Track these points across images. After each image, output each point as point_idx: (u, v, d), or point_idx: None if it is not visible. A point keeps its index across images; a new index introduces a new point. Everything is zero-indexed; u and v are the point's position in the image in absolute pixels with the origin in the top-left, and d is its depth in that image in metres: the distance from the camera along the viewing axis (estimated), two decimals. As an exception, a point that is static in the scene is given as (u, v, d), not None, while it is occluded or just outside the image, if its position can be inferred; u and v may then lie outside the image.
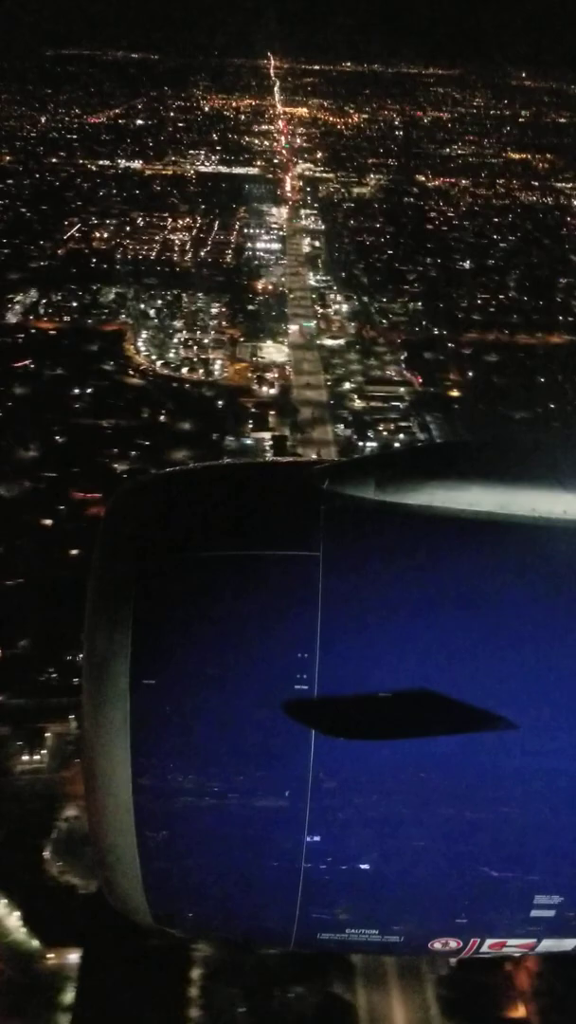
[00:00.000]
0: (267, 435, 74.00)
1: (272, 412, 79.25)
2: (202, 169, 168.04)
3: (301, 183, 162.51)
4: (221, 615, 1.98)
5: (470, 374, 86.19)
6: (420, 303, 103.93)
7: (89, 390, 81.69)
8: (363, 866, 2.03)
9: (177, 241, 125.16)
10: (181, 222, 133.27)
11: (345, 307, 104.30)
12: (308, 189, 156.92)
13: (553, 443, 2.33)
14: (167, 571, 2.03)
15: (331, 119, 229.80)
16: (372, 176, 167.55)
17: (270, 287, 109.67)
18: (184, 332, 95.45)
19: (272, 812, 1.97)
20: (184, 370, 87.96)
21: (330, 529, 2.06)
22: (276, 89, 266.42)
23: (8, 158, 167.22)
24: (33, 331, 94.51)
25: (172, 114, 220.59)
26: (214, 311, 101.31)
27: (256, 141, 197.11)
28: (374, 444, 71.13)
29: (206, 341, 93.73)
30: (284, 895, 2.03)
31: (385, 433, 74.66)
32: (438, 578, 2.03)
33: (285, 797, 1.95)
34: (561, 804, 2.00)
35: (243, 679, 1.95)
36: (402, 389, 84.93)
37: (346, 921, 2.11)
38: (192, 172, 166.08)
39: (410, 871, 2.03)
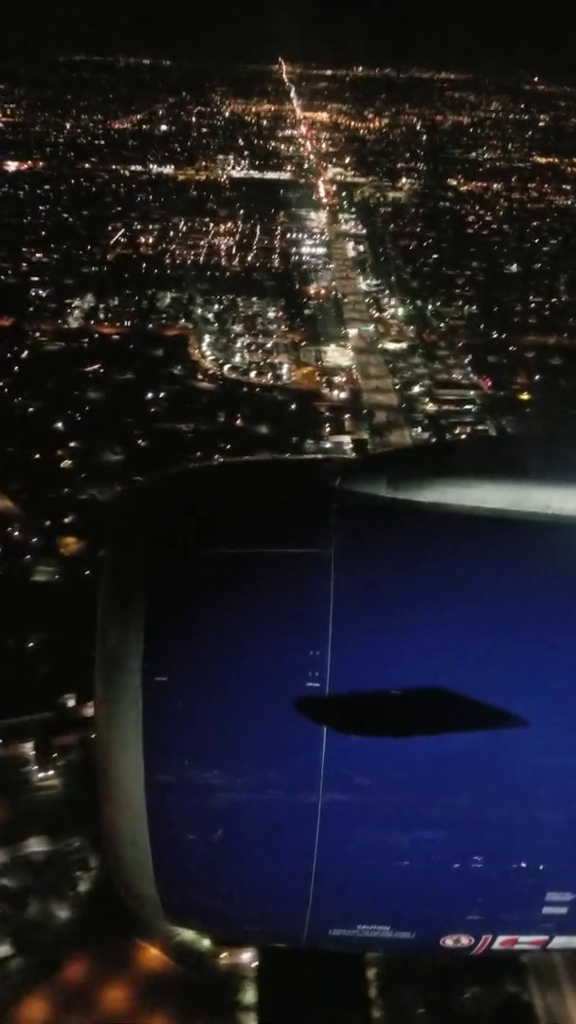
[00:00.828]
0: (346, 439, 74.24)
1: (347, 416, 79.52)
2: (234, 174, 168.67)
3: (334, 187, 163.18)
4: (233, 613, 1.98)
5: (537, 377, 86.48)
6: (474, 307, 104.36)
7: (162, 394, 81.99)
8: (374, 863, 2.02)
9: (223, 246, 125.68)
10: (223, 227, 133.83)
11: (400, 311, 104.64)
12: (344, 194, 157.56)
13: (566, 439, 2.33)
14: (179, 569, 2.03)
15: (352, 123, 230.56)
16: (404, 180, 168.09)
17: (323, 291, 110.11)
18: (246, 337, 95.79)
19: (284, 809, 1.96)
20: (252, 374, 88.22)
21: (342, 527, 2.05)
22: (293, 94, 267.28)
23: (41, 164, 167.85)
24: (96, 335, 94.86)
25: (194, 119, 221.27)
26: (271, 315, 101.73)
27: (282, 146, 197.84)
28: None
29: (269, 345, 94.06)
30: (296, 892, 2.03)
31: (464, 436, 74.86)
32: (450, 576, 2.02)
33: (297, 794, 1.95)
34: (574, 802, 2.00)
35: (255, 676, 1.95)
36: (472, 392, 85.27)
37: (358, 918, 2.11)
38: (225, 177, 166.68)
39: (421, 868, 2.03)
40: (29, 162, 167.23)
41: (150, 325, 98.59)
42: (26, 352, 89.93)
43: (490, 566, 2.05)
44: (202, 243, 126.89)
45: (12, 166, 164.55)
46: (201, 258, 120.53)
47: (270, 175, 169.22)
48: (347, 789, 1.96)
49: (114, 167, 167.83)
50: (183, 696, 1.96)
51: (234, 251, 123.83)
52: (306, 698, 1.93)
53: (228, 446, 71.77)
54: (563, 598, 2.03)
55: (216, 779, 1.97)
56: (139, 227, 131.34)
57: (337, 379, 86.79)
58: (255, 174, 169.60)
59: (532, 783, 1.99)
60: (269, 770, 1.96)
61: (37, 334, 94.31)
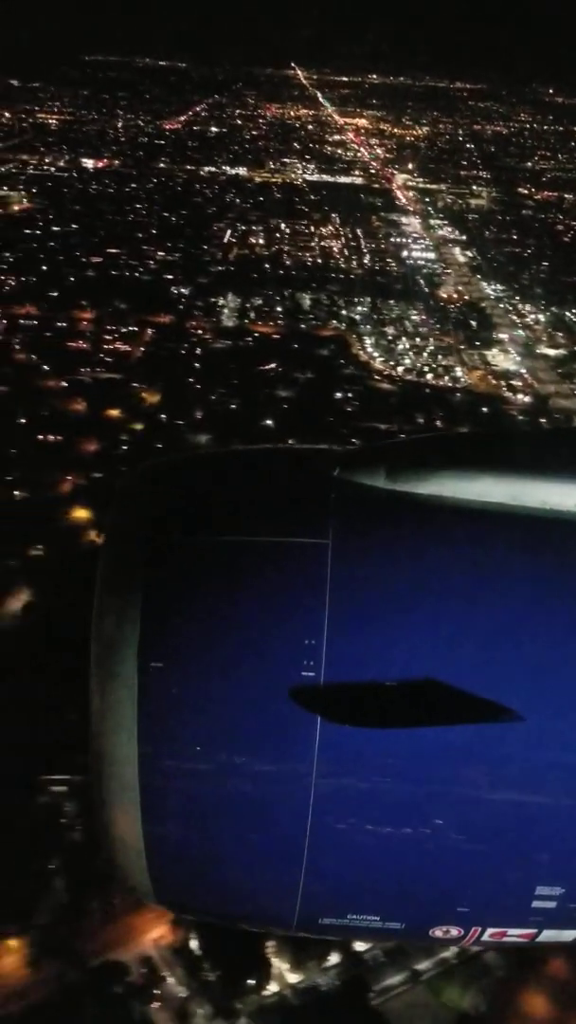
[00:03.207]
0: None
1: (542, 421, 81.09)
2: (308, 178, 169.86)
3: (411, 193, 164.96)
4: (230, 600, 2.01)
5: None
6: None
7: (349, 394, 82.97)
8: (365, 852, 2.06)
9: (334, 248, 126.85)
10: (324, 229, 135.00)
11: (540, 316, 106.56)
12: (427, 199, 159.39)
13: (565, 436, 2.47)
14: (177, 555, 2.07)
15: (395, 130, 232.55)
16: (476, 187, 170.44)
17: (454, 295, 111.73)
18: (404, 339, 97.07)
19: (276, 796, 2.00)
20: (428, 376, 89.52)
21: (340, 517, 2.10)
22: (322, 99, 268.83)
23: (116, 162, 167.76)
24: (256, 335, 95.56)
25: (239, 122, 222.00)
26: (415, 318, 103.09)
27: (339, 151, 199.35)
28: None
29: (430, 348, 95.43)
30: (287, 879, 2.07)
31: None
32: (447, 568, 2.05)
33: (289, 782, 1.98)
34: (565, 796, 2.04)
35: (250, 664, 1.98)
36: None
37: (348, 906, 2.15)
38: (300, 180, 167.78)
39: (412, 858, 2.06)
40: (104, 160, 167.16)
41: (303, 325, 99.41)
42: (199, 350, 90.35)
43: (487, 560, 2.07)
44: (312, 244, 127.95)
45: (89, 163, 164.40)
46: (319, 259, 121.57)
47: (343, 179, 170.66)
48: (339, 778, 1.98)
49: (188, 167, 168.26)
50: (178, 682, 1.98)
51: (347, 253, 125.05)
52: (301, 686, 1.95)
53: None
54: (558, 593, 2.06)
55: (210, 765, 1.99)
56: (243, 228, 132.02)
57: (514, 383, 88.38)
58: (327, 178, 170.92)
59: (524, 777, 2.01)
60: (263, 757, 1.99)
61: (200, 332, 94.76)
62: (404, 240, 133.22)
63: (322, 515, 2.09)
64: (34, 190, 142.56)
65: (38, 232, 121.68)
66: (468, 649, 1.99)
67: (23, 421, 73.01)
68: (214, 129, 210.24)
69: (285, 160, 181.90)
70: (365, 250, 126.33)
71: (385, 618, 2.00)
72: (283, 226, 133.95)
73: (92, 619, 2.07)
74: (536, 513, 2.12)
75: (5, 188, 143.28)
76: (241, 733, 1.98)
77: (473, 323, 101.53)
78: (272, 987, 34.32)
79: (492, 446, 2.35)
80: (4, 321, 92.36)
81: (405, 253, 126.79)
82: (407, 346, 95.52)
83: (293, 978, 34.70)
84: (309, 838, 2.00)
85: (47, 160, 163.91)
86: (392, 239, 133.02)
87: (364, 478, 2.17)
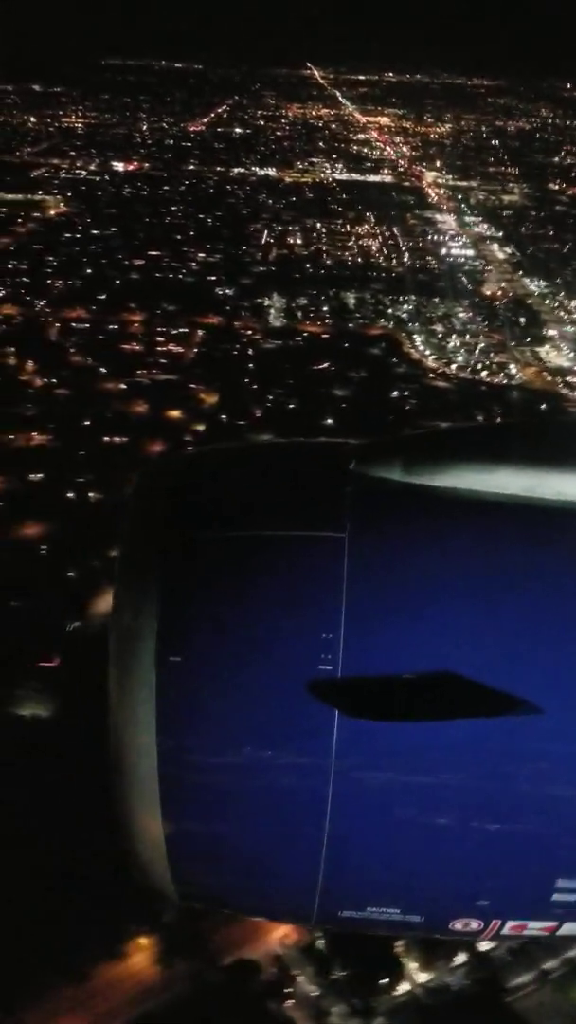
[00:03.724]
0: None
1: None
2: (337, 176, 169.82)
3: (442, 191, 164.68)
4: (247, 594, 2.01)
5: None
6: None
7: (406, 392, 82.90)
8: (384, 845, 2.05)
9: (373, 247, 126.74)
10: (360, 228, 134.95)
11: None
12: (459, 197, 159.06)
13: None
14: (194, 550, 2.07)
15: (418, 128, 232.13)
16: (507, 184, 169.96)
17: (498, 292, 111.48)
18: (454, 336, 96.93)
19: (295, 790, 1.99)
20: (483, 373, 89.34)
21: (356, 510, 2.09)
22: (341, 99, 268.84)
23: (146, 165, 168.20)
24: (305, 334, 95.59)
25: (262, 123, 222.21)
26: (461, 315, 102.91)
27: (364, 150, 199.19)
28: None
29: (481, 345, 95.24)
30: (306, 872, 2.06)
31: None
32: (463, 560, 2.05)
33: (308, 775, 1.97)
34: None
35: (268, 658, 1.98)
36: None
37: (367, 899, 2.15)
38: (330, 180, 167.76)
39: (432, 851, 2.06)
40: (134, 163, 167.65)
41: (350, 324, 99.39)
42: (251, 351, 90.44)
43: (503, 552, 2.07)
44: (349, 243, 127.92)
45: (119, 166, 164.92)
46: (359, 258, 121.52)
47: (372, 178, 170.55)
48: (358, 771, 1.98)
49: (218, 169, 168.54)
50: (196, 676, 1.98)
51: (386, 252, 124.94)
52: (318, 680, 1.95)
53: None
54: (574, 585, 2.04)
55: (228, 759, 1.99)
56: (279, 228, 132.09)
57: (570, 379, 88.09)
58: (356, 176, 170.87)
59: (543, 770, 2.00)
60: (281, 751, 1.98)
61: (249, 332, 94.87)
62: (441, 238, 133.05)
63: (338, 509, 2.07)
64: (69, 194, 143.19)
65: (78, 236, 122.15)
66: (485, 642, 1.97)
67: (87, 423, 73.27)
68: (238, 130, 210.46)
69: (312, 160, 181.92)
70: (403, 248, 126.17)
71: (402, 611, 1.98)
72: (319, 225, 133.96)
73: (110, 614, 2.08)
74: (553, 505, 2.10)
75: (40, 192, 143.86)
76: (259, 727, 1.97)
77: (521, 320, 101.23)
78: (403, 986, 34.28)
79: (508, 438, 2.32)
80: (57, 324, 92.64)
81: (444, 251, 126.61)
82: (457, 344, 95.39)
83: (422, 977, 34.66)
84: (328, 831, 1.99)
85: (78, 164, 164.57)
86: (429, 237, 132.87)
87: (380, 471, 2.15)
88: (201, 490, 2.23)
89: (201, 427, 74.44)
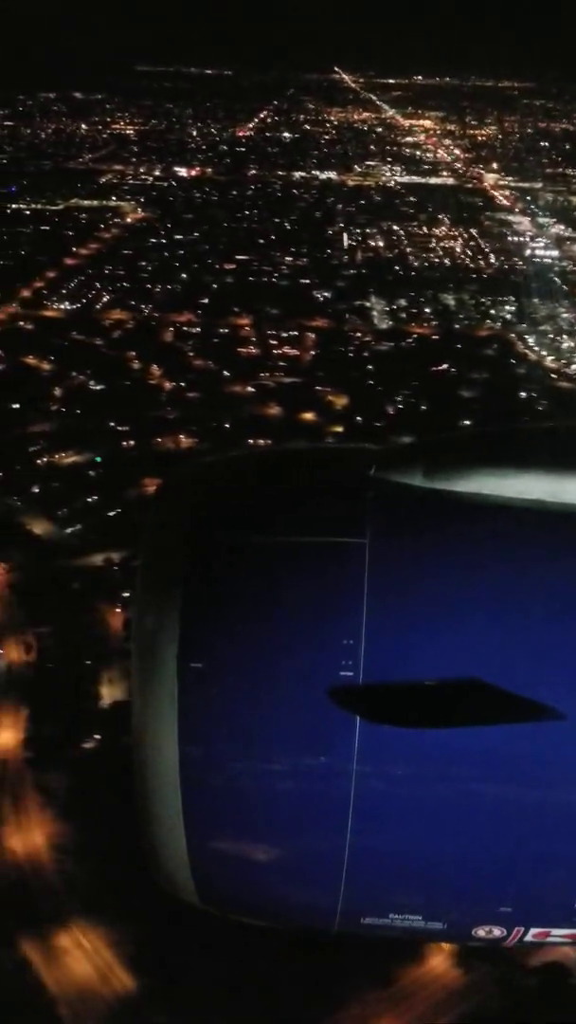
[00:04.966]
0: None
1: None
2: (399, 179, 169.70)
3: (507, 192, 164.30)
4: (268, 600, 2.00)
5: None
6: None
7: (534, 394, 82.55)
8: (407, 852, 2.03)
9: (457, 249, 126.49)
10: (438, 230, 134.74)
11: None
12: (527, 198, 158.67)
13: None
14: (215, 556, 2.06)
15: (465, 131, 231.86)
16: (571, 184, 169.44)
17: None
18: (566, 337, 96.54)
19: (317, 796, 1.98)
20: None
21: (377, 516, 2.07)
22: (379, 103, 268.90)
23: (208, 169, 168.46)
24: (416, 336, 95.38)
25: (308, 127, 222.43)
26: (566, 315, 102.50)
27: (416, 152, 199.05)
28: None
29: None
30: (328, 879, 2.05)
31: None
32: (485, 567, 2.02)
33: (330, 782, 1.96)
34: None
35: (289, 664, 1.97)
36: None
37: (390, 907, 2.12)
38: (393, 182, 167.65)
39: (454, 858, 2.04)
40: (196, 168, 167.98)
41: (456, 326, 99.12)
42: (365, 353, 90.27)
43: (526, 558, 2.04)
44: (432, 245, 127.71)
45: (183, 171, 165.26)
46: (445, 260, 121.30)
47: (433, 180, 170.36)
48: (380, 778, 1.96)
49: (279, 172, 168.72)
50: (218, 682, 1.97)
51: (471, 253, 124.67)
52: (340, 686, 1.93)
53: None
54: None
55: (250, 765, 1.98)
56: (357, 231, 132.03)
57: None
58: (417, 179, 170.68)
59: (566, 776, 1.97)
60: (302, 757, 1.96)
61: (358, 334, 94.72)
62: (522, 239, 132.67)
63: (359, 515, 2.07)
64: (141, 199, 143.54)
65: (163, 241, 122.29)
66: (507, 647, 1.96)
67: (227, 426, 73.22)
68: (287, 134, 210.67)
69: (369, 163, 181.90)
70: (487, 249, 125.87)
71: (423, 617, 1.97)
72: (395, 228, 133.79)
73: (132, 620, 2.09)
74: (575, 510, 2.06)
75: (114, 198, 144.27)
76: (281, 733, 1.96)
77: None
78: None
79: (529, 443, 2.30)
80: (170, 328, 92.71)
81: (528, 252, 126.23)
82: (572, 344, 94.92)
83: None
84: (350, 838, 1.98)
85: (141, 170, 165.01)
86: (509, 238, 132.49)
87: (401, 477, 2.13)
88: (222, 497, 2.22)
89: (339, 428, 74.26)
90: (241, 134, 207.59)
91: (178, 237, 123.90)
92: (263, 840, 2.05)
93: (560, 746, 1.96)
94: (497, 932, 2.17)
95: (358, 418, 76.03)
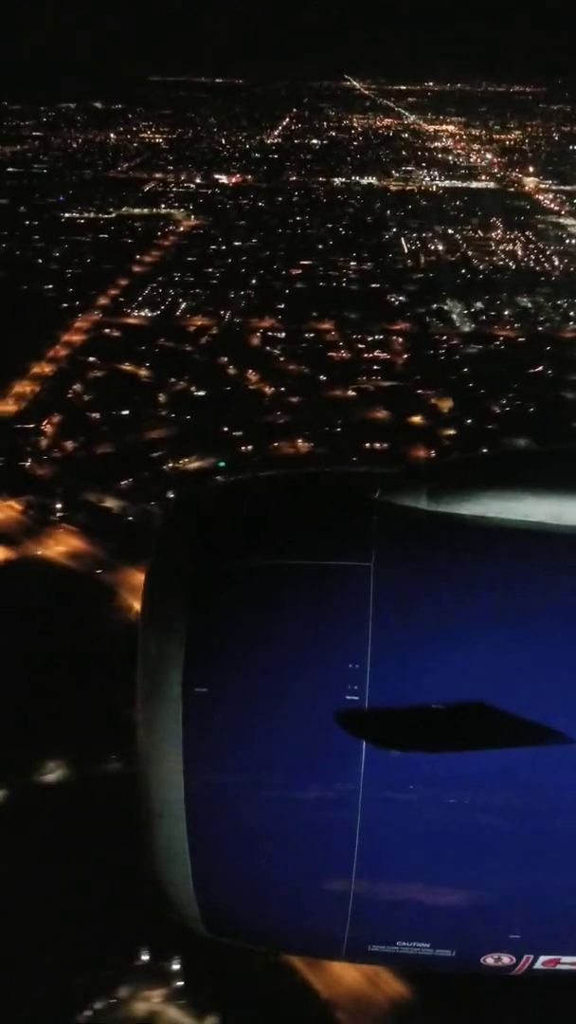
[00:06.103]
0: None
1: None
2: (440, 184, 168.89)
3: (551, 195, 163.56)
4: (272, 624, 1.98)
5: None
6: None
7: None
8: (415, 878, 2.00)
9: (518, 251, 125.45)
10: (494, 234, 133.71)
11: None
12: (574, 201, 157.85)
13: None
14: (219, 580, 2.03)
15: (490, 135, 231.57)
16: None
17: None
18: None
19: (323, 822, 1.95)
20: None
21: (382, 539, 2.05)
22: (398, 109, 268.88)
23: (248, 177, 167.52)
24: (501, 338, 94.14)
25: (334, 134, 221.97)
26: None
27: (449, 157, 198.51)
28: None
29: None
30: (335, 906, 2.01)
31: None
32: (491, 589, 2.00)
33: (336, 807, 1.93)
34: None
35: (294, 688, 1.94)
36: None
37: (397, 934, 2.08)
38: (435, 187, 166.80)
39: (463, 885, 2.01)
40: (236, 175, 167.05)
41: (539, 328, 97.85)
42: (456, 356, 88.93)
43: (532, 581, 2.03)
44: (492, 248, 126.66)
45: (224, 179, 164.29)
46: (510, 263, 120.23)
47: (474, 184, 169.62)
48: (386, 804, 1.94)
49: (319, 179, 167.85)
50: (223, 707, 1.96)
51: (533, 255, 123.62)
52: (345, 711, 1.92)
53: None
54: None
55: (255, 791, 1.96)
56: (413, 235, 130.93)
57: None
58: (458, 184, 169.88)
59: (574, 800, 1.95)
60: (308, 782, 1.95)
61: (444, 337, 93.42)
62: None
63: (364, 538, 2.06)
64: (190, 207, 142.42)
65: (223, 248, 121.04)
66: (515, 671, 1.96)
67: (339, 430, 71.75)
68: (315, 141, 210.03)
69: (406, 168, 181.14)
70: (549, 252, 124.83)
71: (429, 641, 1.97)
72: (451, 232, 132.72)
73: (137, 645, 2.07)
74: None
75: (163, 206, 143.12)
76: (286, 758, 1.96)
77: None
78: None
79: (535, 465, 2.29)
80: (257, 334, 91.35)
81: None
82: None
83: None
84: (356, 864, 1.97)
85: (182, 178, 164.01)
86: (568, 240, 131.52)
87: (406, 500, 2.12)
88: (226, 519, 2.21)
89: (451, 431, 72.88)
90: (269, 141, 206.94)
91: (237, 244, 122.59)
92: (269, 867, 2.02)
93: (568, 770, 1.94)
94: (506, 960, 2.12)
95: (467, 420, 74.62)
